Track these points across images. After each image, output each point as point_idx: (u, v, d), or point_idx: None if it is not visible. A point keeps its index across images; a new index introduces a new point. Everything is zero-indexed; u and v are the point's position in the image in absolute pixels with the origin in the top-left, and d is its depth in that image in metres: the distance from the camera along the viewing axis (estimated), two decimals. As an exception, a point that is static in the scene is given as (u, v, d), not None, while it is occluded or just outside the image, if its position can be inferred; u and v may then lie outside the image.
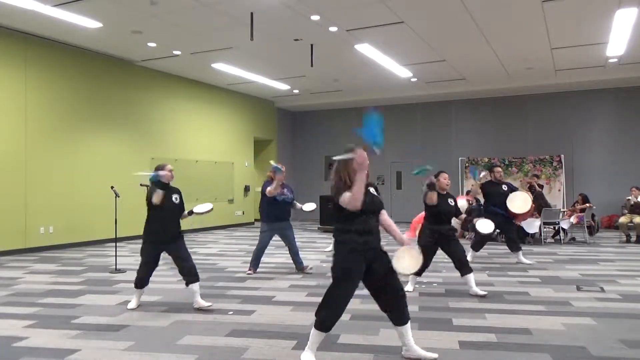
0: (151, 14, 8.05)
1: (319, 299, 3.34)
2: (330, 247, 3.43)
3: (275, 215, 6.73)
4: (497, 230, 8.14)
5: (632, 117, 13.20)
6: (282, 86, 13.62)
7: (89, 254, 8.84)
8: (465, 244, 8.83)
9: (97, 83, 10.41)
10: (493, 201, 7.62)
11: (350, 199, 3.16)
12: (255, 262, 6.82)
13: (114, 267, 7.20)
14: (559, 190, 13.29)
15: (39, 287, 6.02)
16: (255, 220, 15.70)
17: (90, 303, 5.22)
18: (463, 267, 5.41)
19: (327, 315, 3.26)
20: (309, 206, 7.18)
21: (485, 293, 5.37)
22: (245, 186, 14.90)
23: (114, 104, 10.77)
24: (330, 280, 3.33)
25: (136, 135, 11.26)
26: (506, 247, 7.94)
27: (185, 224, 5.50)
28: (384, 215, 3.47)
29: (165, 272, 6.84)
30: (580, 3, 7.72)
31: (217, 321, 4.47)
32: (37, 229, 9.16)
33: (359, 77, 12.59)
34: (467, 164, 14.18)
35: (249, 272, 6.76)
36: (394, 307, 3.38)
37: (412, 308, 4.80)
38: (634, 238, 10.00)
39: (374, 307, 4.89)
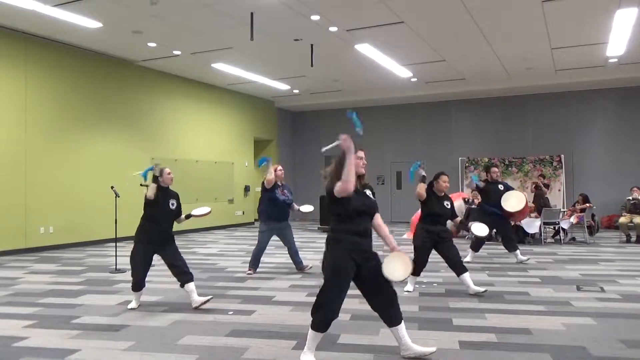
0: (151, 14, 8.05)
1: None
2: None
3: (274, 215, 6.75)
4: (494, 230, 8.17)
5: (632, 117, 13.20)
6: (282, 86, 13.62)
7: (89, 254, 8.84)
8: (465, 244, 8.84)
9: (97, 83, 10.41)
10: (489, 200, 7.68)
11: (342, 184, 3.17)
12: (254, 262, 6.82)
13: (114, 267, 7.20)
14: (559, 190, 13.29)
15: (39, 287, 6.02)
16: (255, 220, 15.70)
17: (90, 303, 5.21)
18: (458, 268, 5.42)
19: (322, 315, 3.26)
20: (307, 208, 7.20)
21: (484, 289, 5.39)
22: (245, 186, 14.91)
23: (114, 104, 10.77)
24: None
25: (136, 135, 11.27)
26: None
27: (185, 224, 5.51)
28: (378, 218, 3.47)
29: (165, 272, 6.81)
30: (580, 3, 7.72)
31: (217, 321, 4.47)
32: (37, 229, 9.16)
33: (359, 77, 12.59)
34: (467, 164, 14.18)
35: (249, 272, 6.76)
36: (385, 308, 3.39)
37: (412, 308, 4.82)
38: (634, 238, 10.00)
39: (374, 307, 4.91)
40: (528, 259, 7.61)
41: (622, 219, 10.24)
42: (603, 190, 13.07)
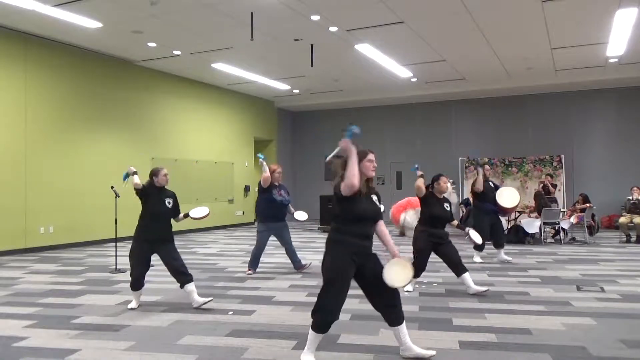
0: (151, 14, 8.05)
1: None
2: None
3: (272, 215, 6.76)
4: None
5: (632, 117, 13.19)
6: (282, 86, 13.62)
7: (89, 254, 8.84)
8: (463, 244, 8.84)
9: (97, 83, 10.41)
10: (486, 198, 7.85)
11: (346, 180, 3.15)
12: (254, 263, 6.82)
13: (114, 267, 7.20)
14: (559, 190, 13.28)
15: (39, 287, 6.02)
16: (255, 220, 15.70)
17: (90, 303, 5.22)
18: (458, 268, 5.42)
19: (322, 316, 3.25)
20: (301, 215, 7.18)
21: (486, 288, 5.40)
22: (245, 186, 14.91)
23: (114, 104, 10.77)
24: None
25: (136, 135, 11.27)
26: (506, 247, 7.97)
27: (185, 223, 5.51)
28: (381, 225, 3.46)
29: (165, 272, 6.82)
30: (580, 3, 7.72)
31: (217, 321, 4.47)
32: (37, 229, 9.16)
33: (359, 77, 12.59)
34: (467, 164, 14.18)
35: (249, 272, 6.77)
36: (388, 308, 3.39)
37: (412, 308, 4.82)
38: (634, 238, 10.00)
39: (374, 307, 4.91)
40: (511, 259, 7.69)
41: (622, 219, 10.24)
42: (603, 190, 13.07)
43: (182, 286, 4.90)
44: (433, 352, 3.49)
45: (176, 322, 4.48)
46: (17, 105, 8.95)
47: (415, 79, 12.85)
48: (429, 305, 5.00)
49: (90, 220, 10.03)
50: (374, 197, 3.42)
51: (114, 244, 7.87)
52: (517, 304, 5.04)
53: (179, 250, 5.05)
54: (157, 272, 6.72)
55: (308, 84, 13.54)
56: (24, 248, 8.94)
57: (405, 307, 3.55)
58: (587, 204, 10.49)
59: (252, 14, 7.87)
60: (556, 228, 10.24)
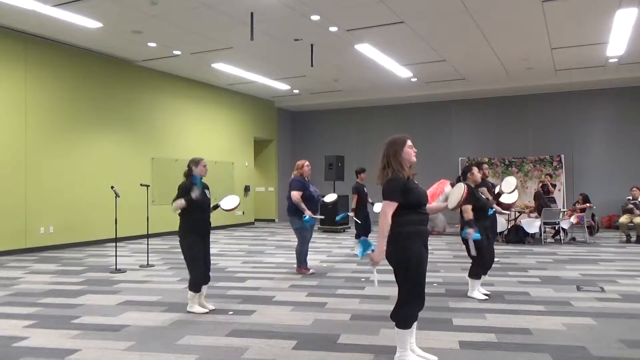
0: (151, 14, 8.05)
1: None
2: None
3: (310, 210, 6.79)
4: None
5: (632, 117, 13.19)
6: (282, 86, 13.62)
7: (89, 254, 8.84)
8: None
9: (97, 83, 10.41)
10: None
11: (374, 256, 3.19)
12: (304, 260, 6.85)
13: (114, 267, 7.19)
14: (559, 190, 13.28)
15: (39, 287, 6.01)
16: (256, 220, 15.71)
17: (90, 303, 5.21)
18: (481, 269, 5.29)
19: (410, 309, 3.22)
20: (331, 197, 7.46)
21: (485, 298, 5.24)
22: (246, 186, 14.91)
23: (114, 104, 10.77)
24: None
25: (136, 135, 11.27)
26: (506, 247, 7.96)
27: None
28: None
29: (165, 272, 6.84)
30: (580, 3, 7.72)
31: (217, 321, 4.47)
32: (37, 229, 9.16)
33: (359, 77, 12.59)
34: (467, 164, 14.19)
35: (304, 271, 6.77)
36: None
37: (412, 308, 4.82)
38: (634, 238, 10.00)
39: (374, 307, 4.90)
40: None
41: (622, 219, 10.24)
42: (603, 190, 13.07)
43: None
44: (435, 358, 3.41)
45: (176, 322, 4.48)
46: (17, 105, 8.95)
47: (415, 79, 12.85)
48: (429, 305, 4.96)
49: (90, 220, 10.03)
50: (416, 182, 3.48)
51: (114, 244, 7.88)
52: (517, 304, 5.04)
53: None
54: (157, 272, 6.73)
55: (308, 84, 13.54)
56: (24, 248, 8.94)
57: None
58: (587, 204, 10.49)
59: (252, 14, 7.87)
60: (556, 228, 10.24)
